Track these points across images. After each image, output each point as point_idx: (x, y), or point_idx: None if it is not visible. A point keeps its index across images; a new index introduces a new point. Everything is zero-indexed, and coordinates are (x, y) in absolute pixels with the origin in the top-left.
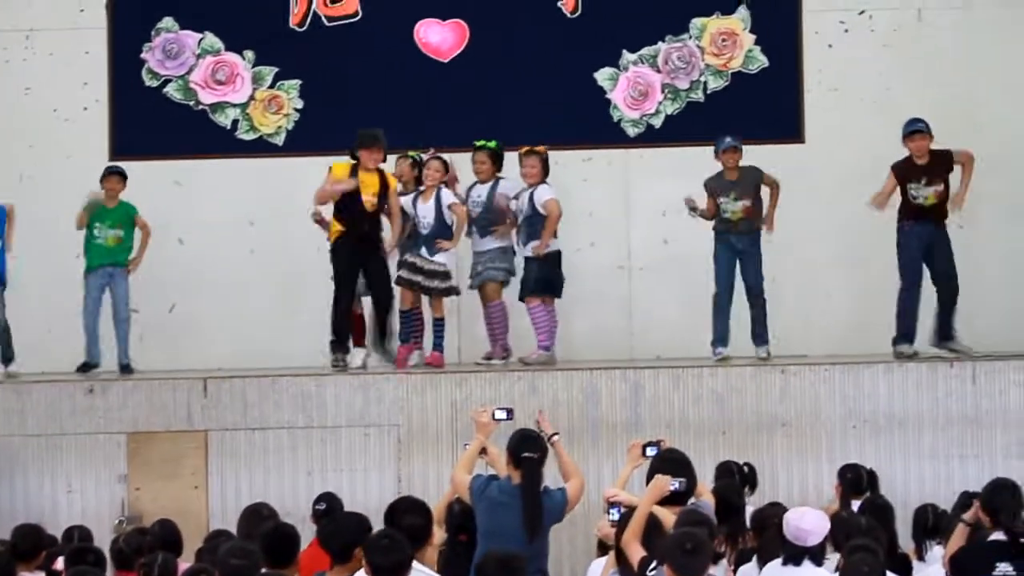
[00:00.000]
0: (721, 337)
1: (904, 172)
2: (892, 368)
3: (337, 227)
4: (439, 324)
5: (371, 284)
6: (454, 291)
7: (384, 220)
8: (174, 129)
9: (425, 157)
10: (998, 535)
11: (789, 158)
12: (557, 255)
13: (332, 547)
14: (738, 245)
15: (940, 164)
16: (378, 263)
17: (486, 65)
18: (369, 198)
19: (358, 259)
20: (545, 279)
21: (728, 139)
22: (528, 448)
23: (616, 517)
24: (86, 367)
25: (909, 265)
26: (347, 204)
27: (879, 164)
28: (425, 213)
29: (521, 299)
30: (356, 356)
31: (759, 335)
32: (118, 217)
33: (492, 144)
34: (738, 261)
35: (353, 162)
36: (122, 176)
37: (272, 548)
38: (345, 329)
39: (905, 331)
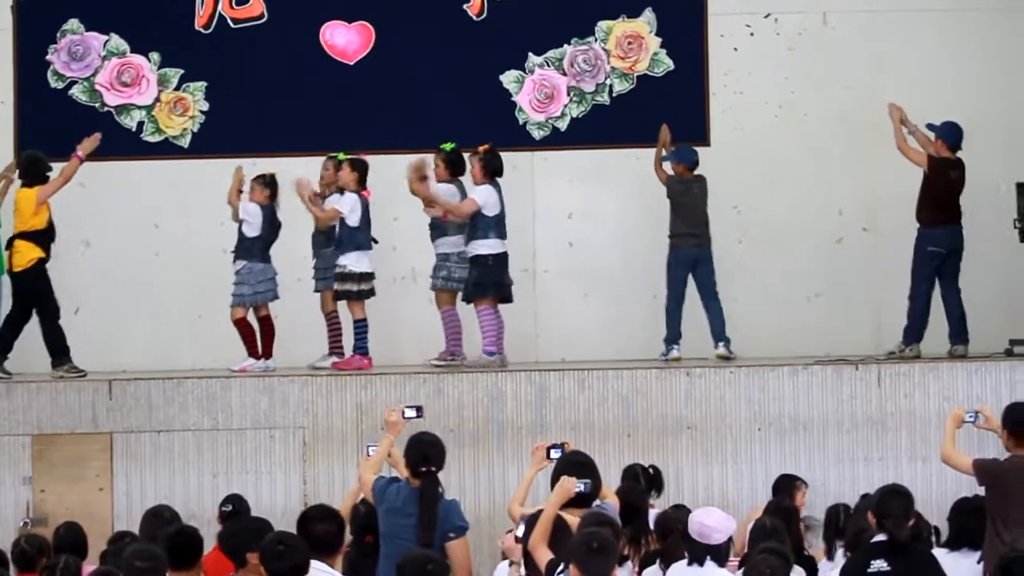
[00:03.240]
0: (674, 337)
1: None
2: (797, 371)
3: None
4: (360, 325)
5: None
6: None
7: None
8: (79, 131)
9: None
10: (881, 536)
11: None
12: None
13: (226, 549)
14: (691, 254)
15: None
16: None
17: (392, 67)
18: None
19: None
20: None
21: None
22: (425, 460)
23: (522, 532)
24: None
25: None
26: None
27: (783, 167)
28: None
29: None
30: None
31: (717, 334)
32: None
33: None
34: (693, 268)
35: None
36: None
37: (175, 551)
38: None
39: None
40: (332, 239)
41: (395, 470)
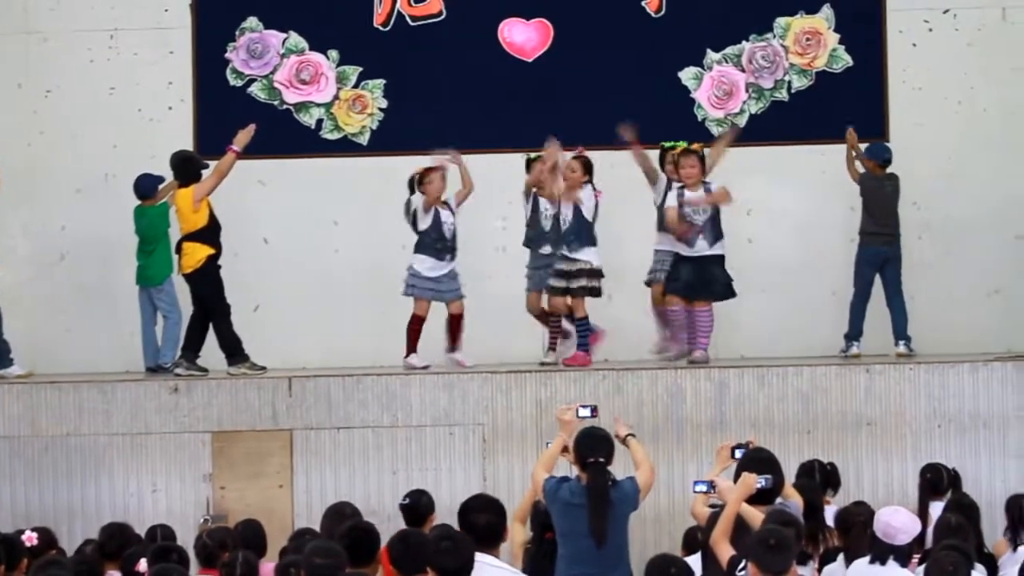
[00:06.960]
0: (855, 334)
1: None
2: (977, 368)
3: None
4: (582, 323)
5: None
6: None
7: None
8: (258, 129)
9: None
10: None
11: None
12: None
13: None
14: (881, 252)
15: None
16: None
17: (570, 64)
18: None
19: None
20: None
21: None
22: (593, 451)
23: (704, 489)
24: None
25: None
26: None
27: (963, 163)
28: (565, 211)
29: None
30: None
31: (899, 332)
32: None
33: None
34: (881, 266)
35: None
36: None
37: (351, 547)
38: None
39: None
40: (544, 237)
41: (574, 467)
